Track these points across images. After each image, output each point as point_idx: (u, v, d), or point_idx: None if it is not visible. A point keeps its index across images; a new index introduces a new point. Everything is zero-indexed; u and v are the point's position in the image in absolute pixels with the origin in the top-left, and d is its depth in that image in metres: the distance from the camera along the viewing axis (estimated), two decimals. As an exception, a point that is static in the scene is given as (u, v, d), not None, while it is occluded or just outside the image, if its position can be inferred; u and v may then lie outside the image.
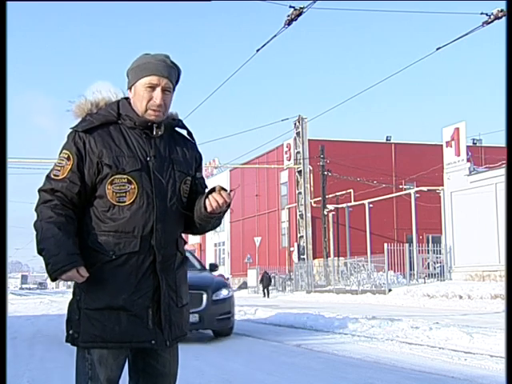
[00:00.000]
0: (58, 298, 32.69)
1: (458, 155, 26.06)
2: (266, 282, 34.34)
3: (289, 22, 12.25)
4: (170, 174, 2.62)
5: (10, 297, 31.77)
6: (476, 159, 29.67)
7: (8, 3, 3.14)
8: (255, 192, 46.33)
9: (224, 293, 9.48)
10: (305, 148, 31.58)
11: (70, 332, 2.56)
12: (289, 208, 41.16)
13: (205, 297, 9.10)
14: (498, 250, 23.08)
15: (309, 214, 33.65)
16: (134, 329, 2.52)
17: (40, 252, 2.53)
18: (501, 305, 16.03)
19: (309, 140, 32.89)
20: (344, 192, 36.18)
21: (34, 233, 2.55)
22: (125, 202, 2.54)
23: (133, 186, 2.55)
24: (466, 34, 12.16)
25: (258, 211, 47.02)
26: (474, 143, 39.22)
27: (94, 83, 2.74)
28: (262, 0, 12.67)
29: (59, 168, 2.56)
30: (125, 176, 2.55)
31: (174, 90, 2.67)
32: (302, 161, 31.61)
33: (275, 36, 12.72)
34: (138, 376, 2.67)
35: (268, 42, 13.05)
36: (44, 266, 2.53)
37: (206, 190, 2.66)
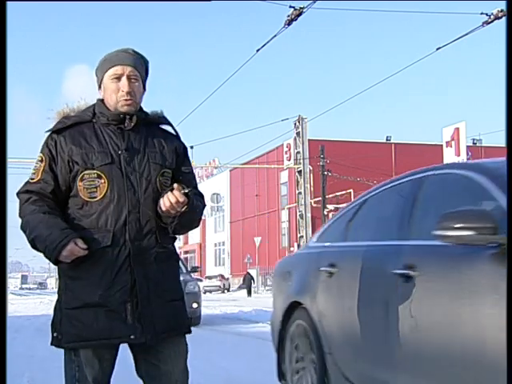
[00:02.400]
0: (57, 298, 32.67)
1: (458, 155, 26.08)
2: (247, 282, 36.75)
3: (289, 22, 12.26)
4: (145, 167, 2.61)
5: (10, 297, 31.77)
6: (476, 159, 29.67)
7: (8, 3, 3.14)
8: (255, 192, 46.34)
9: None
10: (305, 148, 31.55)
11: (54, 334, 2.56)
12: (289, 208, 41.16)
13: None
14: (498, 250, 23.05)
15: (309, 214, 33.59)
16: (112, 324, 2.49)
17: (33, 243, 2.54)
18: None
19: (309, 140, 32.82)
20: (344, 192, 36.16)
21: (24, 234, 2.57)
22: (96, 197, 2.55)
23: (103, 181, 2.55)
24: (466, 34, 12.17)
25: (258, 211, 47.03)
26: (473, 143, 39.22)
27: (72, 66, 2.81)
28: (262, 0, 12.67)
29: (34, 171, 2.62)
30: (94, 171, 2.56)
31: (143, 79, 2.70)
32: (302, 161, 31.58)
33: (275, 36, 12.73)
34: (143, 379, 2.65)
35: (268, 42, 13.06)
36: (43, 253, 2.52)
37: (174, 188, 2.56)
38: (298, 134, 31.16)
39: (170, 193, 2.51)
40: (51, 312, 2.66)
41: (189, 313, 3.02)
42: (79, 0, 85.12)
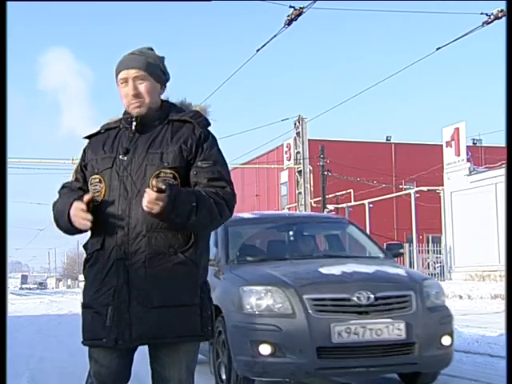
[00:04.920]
0: (58, 298, 32.62)
1: (458, 155, 26.04)
2: None
3: (289, 22, 12.24)
4: (142, 169, 2.57)
5: (10, 297, 31.77)
6: (476, 159, 29.65)
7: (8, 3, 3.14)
8: (255, 192, 46.33)
9: None
10: (305, 148, 31.56)
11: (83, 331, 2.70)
12: (289, 208, 41.14)
13: None
14: (498, 250, 23.07)
15: (309, 214, 33.56)
16: (95, 326, 2.57)
17: (56, 220, 2.71)
18: (501, 305, 15.99)
19: (309, 140, 32.83)
20: (344, 192, 36.17)
21: (55, 223, 2.72)
22: (98, 201, 2.60)
23: (102, 185, 2.61)
24: (466, 34, 12.15)
25: (258, 211, 47.02)
26: (474, 143, 39.18)
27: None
28: (262, 0, 12.67)
29: (72, 173, 2.83)
30: (97, 176, 2.64)
31: (156, 77, 2.66)
32: (302, 161, 31.59)
33: (275, 36, 12.72)
34: (151, 379, 2.70)
35: (268, 42, 13.05)
36: (60, 226, 2.71)
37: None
38: (298, 134, 31.18)
39: (145, 192, 2.42)
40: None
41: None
42: (79, 0, 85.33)
